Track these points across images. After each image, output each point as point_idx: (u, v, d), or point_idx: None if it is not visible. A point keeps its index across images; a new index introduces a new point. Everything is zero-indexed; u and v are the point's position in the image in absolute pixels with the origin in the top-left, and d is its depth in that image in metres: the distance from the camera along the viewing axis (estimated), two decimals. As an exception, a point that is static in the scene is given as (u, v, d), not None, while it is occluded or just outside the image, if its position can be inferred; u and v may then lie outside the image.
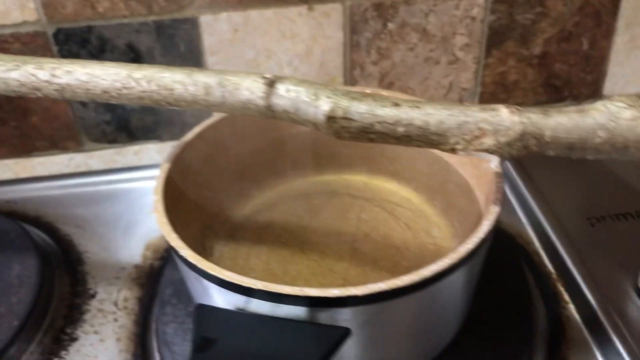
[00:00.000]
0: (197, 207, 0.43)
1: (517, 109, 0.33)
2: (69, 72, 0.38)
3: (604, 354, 0.43)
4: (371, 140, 0.35)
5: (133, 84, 0.37)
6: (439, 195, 0.46)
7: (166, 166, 0.41)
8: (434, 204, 0.47)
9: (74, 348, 0.45)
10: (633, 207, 0.53)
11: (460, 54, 0.65)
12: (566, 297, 0.47)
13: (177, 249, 0.34)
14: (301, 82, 0.35)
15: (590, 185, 0.56)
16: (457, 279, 0.34)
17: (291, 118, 0.36)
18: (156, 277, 0.50)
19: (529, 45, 0.65)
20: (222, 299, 0.34)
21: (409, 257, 0.43)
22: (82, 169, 0.64)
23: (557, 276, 0.49)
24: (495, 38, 0.64)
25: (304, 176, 0.50)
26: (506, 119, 0.33)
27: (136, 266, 0.52)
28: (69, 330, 0.47)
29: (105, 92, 0.38)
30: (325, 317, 0.32)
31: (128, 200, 0.59)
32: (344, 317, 0.32)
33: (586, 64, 0.67)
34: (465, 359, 0.40)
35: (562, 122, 0.33)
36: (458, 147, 0.34)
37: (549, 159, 0.58)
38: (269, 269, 0.42)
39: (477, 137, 0.33)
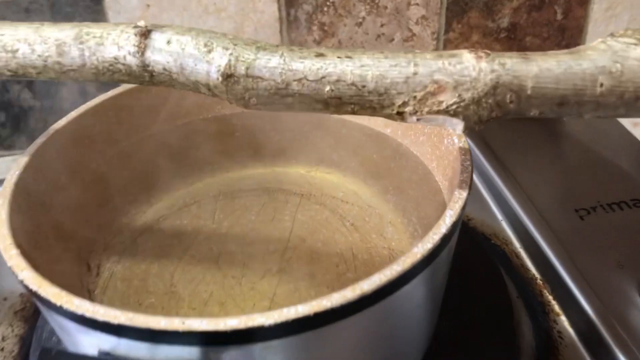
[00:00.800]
0: (73, 217, 0.33)
1: (486, 53, 0.24)
2: None
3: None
4: (289, 107, 0.25)
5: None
6: (392, 186, 0.36)
7: (23, 160, 0.30)
8: (386, 198, 0.37)
9: None
10: (628, 195, 0.44)
11: (416, 29, 0.56)
12: (556, 307, 0.38)
13: (14, 269, 0.24)
14: (187, 30, 0.26)
15: (575, 171, 0.48)
16: (415, 291, 0.24)
17: (176, 81, 0.26)
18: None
19: (495, 17, 0.56)
20: (83, 340, 0.24)
21: (356, 267, 0.33)
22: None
23: (543, 282, 0.40)
24: (456, 8, 0.55)
25: (226, 170, 0.39)
26: (471, 66, 0.24)
27: (22, 295, 0.42)
28: None
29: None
30: (224, 360, 0.22)
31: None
32: (253, 357, 0.22)
33: (561, 37, 0.58)
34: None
35: (549, 67, 0.23)
36: (407, 109, 0.24)
37: (523, 143, 0.50)
38: (172, 291, 0.32)
39: (432, 94, 0.24)
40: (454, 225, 0.25)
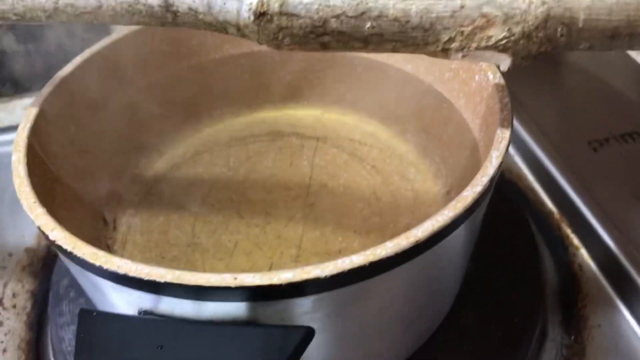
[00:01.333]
0: (85, 169, 0.31)
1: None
2: None
3: (630, 307, 0.34)
4: (325, 46, 0.24)
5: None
6: (412, 126, 0.35)
7: (32, 112, 0.28)
8: (406, 138, 0.36)
9: None
10: (639, 126, 0.44)
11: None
12: (575, 240, 0.38)
13: (44, 228, 0.23)
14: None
15: (584, 103, 0.47)
16: (462, 234, 0.24)
17: (202, 21, 0.24)
18: (54, 263, 0.39)
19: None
20: (120, 300, 0.23)
21: (381, 210, 0.32)
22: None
23: (560, 215, 0.40)
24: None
25: (236, 115, 0.38)
26: (521, -2, 0.22)
27: (28, 250, 0.41)
28: None
29: None
30: (274, 314, 0.21)
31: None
32: (303, 310, 0.22)
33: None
34: (464, 334, 0.31)
35: (601, -3, 0.22)
36: (453, 45, 0.23)
37: (533, 74, 0.49)
38: (195, 242, 0.31)
39: (480, 29, 0.23)
40: (500, 166, 0.24)
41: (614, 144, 0.43)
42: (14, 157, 0.26)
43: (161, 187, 0.34)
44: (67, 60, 0.48)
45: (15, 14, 0.25)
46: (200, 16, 0.24)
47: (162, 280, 0.20)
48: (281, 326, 0.21)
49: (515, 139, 0.45)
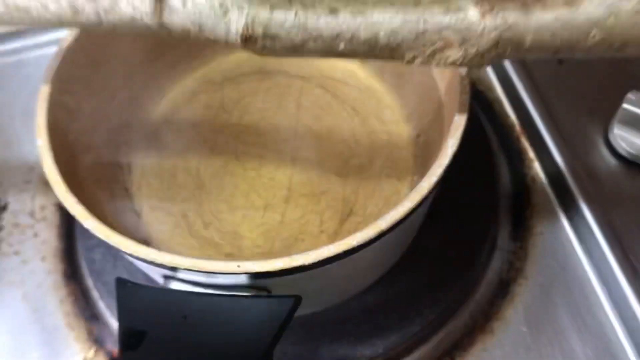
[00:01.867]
0: (98, 121, 0.35)
1: (489, 5, 0.25)
2: None
3: (570, 220, 0.40)
4: (305, 56, 0.27)
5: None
6: (390, 66, 0.39)
7: (46, 89, 0.32)
8: (383, 79, 0.39)
9: None
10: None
11: None
12: (531, 153, 0.43)
13: (78, 217, 0.28)
14: (201, -14, 0.26)
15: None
16: (419, 215, 0.29)
17: (196, 37, 0.27)
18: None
19: None
20: (147, 267, 0.29)
21: (359, 153, 0.37)
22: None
23: (521, 128, 0.45)
24: None
25: (225, 54, 0.41)
26: (476, 22, 0.25)
27: None
28: None
29: None
30: (270, 285, 0.28)
31: (20, 77, 0.50)
32: (292, 280, 0.28)
33: None
34: (425, 256, 0.37)
35: (547, 21, 0.25)
36: (416, 61, 0.26)
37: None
38: (200, 185, 0.37)
39: (440, 50, 0.26)
40: (455, 155, 0.29)
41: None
42: (39, 143, 0.30)
43: (166, 129, 0.38)
44: None
45: (23, 24, 0.28)
46: (194, 34, 0.27)
47: (182, 267, 0.26)
48: (278, 296, 0.28)
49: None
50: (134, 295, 0.28)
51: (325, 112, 0.39)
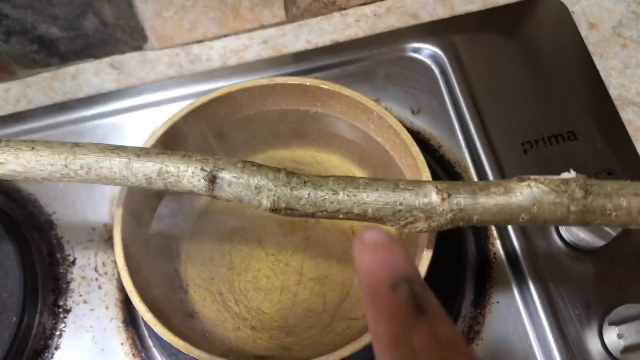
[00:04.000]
0: (153, 213, 0.46)
1: (447, 192, 0.35)
2: (1, 164, 0.37)
3: (521, 293, 0.50)
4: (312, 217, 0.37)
5: (72, 174, 0.37)
6: (380, 170, 0.49)
7: (119, 211, 0.42)
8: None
9: (70, 320, 0.51)
10: (565, 128, 0.56)
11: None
12: (495, 233, 0.53)
13: (148, 321, 0.39)
14: (243, 170, 0.36)
15: (531, 99, 0.57)
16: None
17: (237, 202, 0.37)
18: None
19: None
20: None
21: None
22: (22, 103, 0.62)
23: (489, 207, 0.55)
24: None
25: (253, 152, 0.51)
26: (437, 206, 0.35)
27: (105, 225, 0.55)
28: (61, 303, 0.52)
29: (45, 179, 0.38)
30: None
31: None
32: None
33: None
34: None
35: (488, 207, 0.35)
36: (393, 228, 0.37)
37: (493, 64, 0.59)
38: (233, 267, 0.47)
39: (411, 223, 0.36)
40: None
41: (542, 145, 0.54)
42: (118, 259, 0.41)
43: (205, 219, 0.49)
44: (101, 38, 0.58)
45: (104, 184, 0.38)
46: (235, 201, 0.37)
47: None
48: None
49: (466, 133, 0.56)
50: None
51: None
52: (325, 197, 0.36)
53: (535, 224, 0.36)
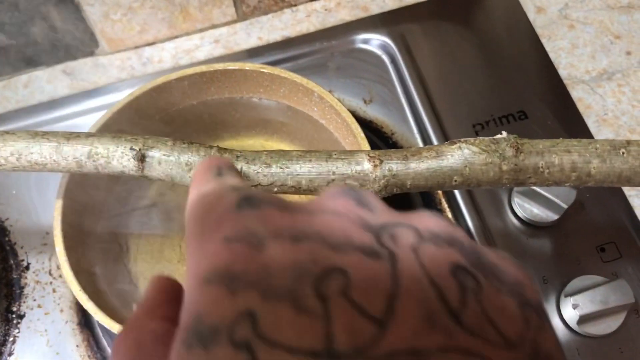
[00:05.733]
0: (101, 210, 0.45)
1: (379, 159, 0.35)
2: None
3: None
4: (249, 191, 0.37)
5: (2, 161, 0.37)
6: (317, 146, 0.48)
7: (59, 203, 0.42)
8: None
9: (24, 325, 0.50)
10: (515, 108, 0.56)
11: None
12: (449, 214, 0.53)
13: (90, 312, 0.38)
14: (173, 148, 0.36)
15: (481, 81, 0.58)
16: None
17: (170, 181, 0.37)
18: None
19: None
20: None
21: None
22: (-25, 113, 0.61)
23: (442, 194, 0.54)
24: None
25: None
26: (370, 173, 0.35)
27: None
28: (14, 309, 0.52)
29: (-24, 168, 0.37)
30: None
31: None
32: None
33: None
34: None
35: (420, 171, 0.35)
36: (329, 198, 0.36)
37: (442, 50, 0.59)
38: (183, 259, 0.47)
39: (344, 192, 0.36)
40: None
41: (492, 126, 0.55)
42: (57, 249, 0.40)
43: (154, 212, 0.49)
44: (52, 45, 0.58)
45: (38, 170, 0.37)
46: (167, 179, 0.36)
47: None
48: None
49: (418, 119, 0.56)
50: None
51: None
52: (259, 170, 0.35)
53: (469, 186, 0.36)
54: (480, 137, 0.35)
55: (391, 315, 0.15)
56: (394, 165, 0.35)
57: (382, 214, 0.18)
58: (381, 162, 0.35)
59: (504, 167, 0.35)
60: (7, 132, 0.37)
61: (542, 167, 0.35)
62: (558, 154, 0.35)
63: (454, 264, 0.17)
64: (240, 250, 0.16)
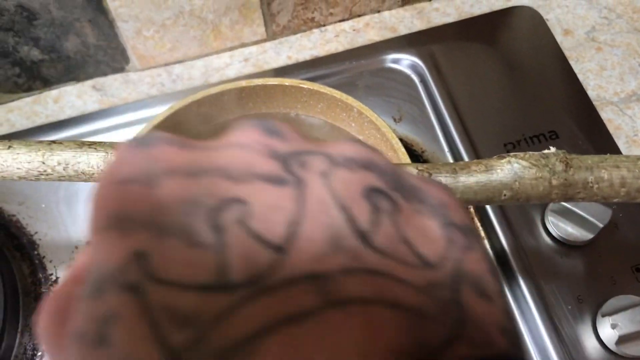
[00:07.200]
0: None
1: (428, 172, 0.35)
2: (-22, 163, 0.37)
3: (511, 289, 0.50)
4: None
5: (49, 171, 0.37)
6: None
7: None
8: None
9: None
10: (546, 128, 0.56)
11: None
12: (482, 232, 0.53)
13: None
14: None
15: (512, 101, 0.58)
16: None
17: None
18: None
19: None
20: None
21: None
22: (4, 127, 0.62)
23: (475, 211, 0.54)
24: None
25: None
26: (419, 186, 0.35)
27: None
28: None
29: (23, 178, 0.37)
30: None
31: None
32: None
33: None
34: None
35: (469, 185, 0.35)
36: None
37: (472, 70, 0.60)
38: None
39: (393, 205, 0.36)
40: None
41: (524, 145, 0.55)
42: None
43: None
44: (82, 60, 0.58)
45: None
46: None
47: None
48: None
49: (448, 137, 0.56)
50: None
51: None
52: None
53: (518, 201, 0.36)
54: (530, 152, 0.35)
55: (293, 242, 0.14)
56: (443, 179, 0.35)
57: (294, 142, 0.17)
58: (430, 175, 0.35)
59: (554, 182, 0.35)
60: (54, 142, 0.37)
61: (591, 182, 0.35)
62: (607, 169, 0.35)
63: (367, 187, 0.16)
64: (132, 191, 0.15)
